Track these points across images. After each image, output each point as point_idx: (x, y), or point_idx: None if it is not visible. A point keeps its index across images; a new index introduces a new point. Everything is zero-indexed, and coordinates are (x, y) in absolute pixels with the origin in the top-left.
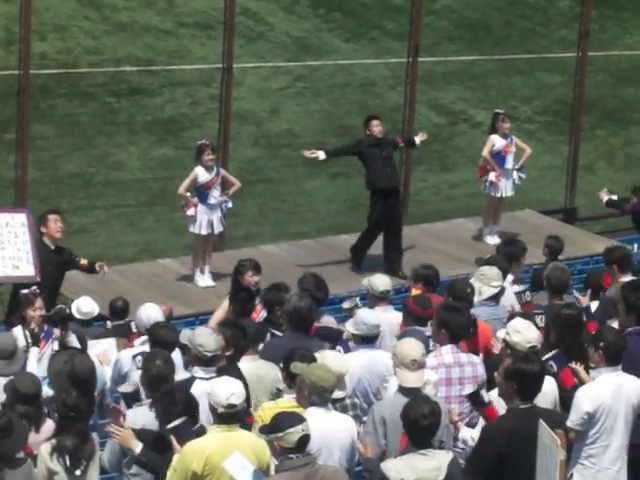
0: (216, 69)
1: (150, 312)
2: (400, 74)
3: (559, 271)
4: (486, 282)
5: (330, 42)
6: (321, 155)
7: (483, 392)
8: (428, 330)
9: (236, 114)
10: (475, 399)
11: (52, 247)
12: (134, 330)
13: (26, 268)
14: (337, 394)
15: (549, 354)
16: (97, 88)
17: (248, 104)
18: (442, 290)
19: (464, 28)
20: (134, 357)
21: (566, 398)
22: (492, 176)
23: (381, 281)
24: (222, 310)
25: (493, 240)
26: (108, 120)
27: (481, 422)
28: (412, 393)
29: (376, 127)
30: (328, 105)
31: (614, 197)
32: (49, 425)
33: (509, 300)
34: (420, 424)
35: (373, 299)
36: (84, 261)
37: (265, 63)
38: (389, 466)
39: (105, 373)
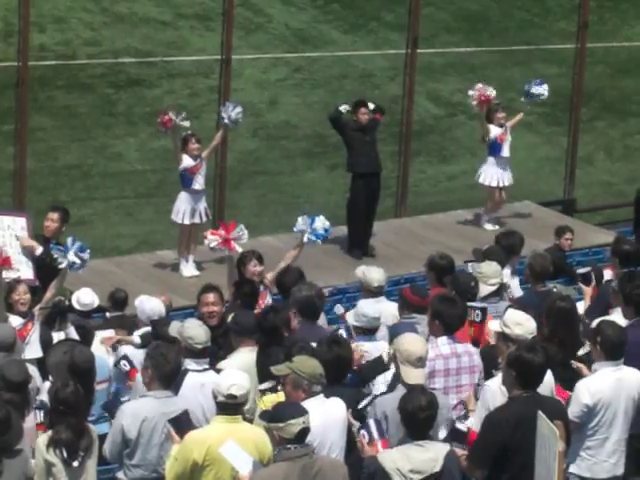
0: (215, 60)
1: (154, 305)
2: (399, 65)
3: (541, 258)
4: (483, 280)
5: (329, 33)
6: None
7: (459, 425)
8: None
9: None
10: (455, 434)
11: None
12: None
13: (26, 272)
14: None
15: None
16: (96, 79)
17: (247, 95)
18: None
19: (463, 19)
20: (117, 363)
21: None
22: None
23: (377, 276)
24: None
25: (491, 227)
26: (107, 111)
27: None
28: (415, 389)
29: (363, 115)
30: (327, 96)
31: None
32: (35, 413)
33: (514, 293)
34: (417, 416)
35: (367, 292)
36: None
37: (264, 54)
38: (385, 456)
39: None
